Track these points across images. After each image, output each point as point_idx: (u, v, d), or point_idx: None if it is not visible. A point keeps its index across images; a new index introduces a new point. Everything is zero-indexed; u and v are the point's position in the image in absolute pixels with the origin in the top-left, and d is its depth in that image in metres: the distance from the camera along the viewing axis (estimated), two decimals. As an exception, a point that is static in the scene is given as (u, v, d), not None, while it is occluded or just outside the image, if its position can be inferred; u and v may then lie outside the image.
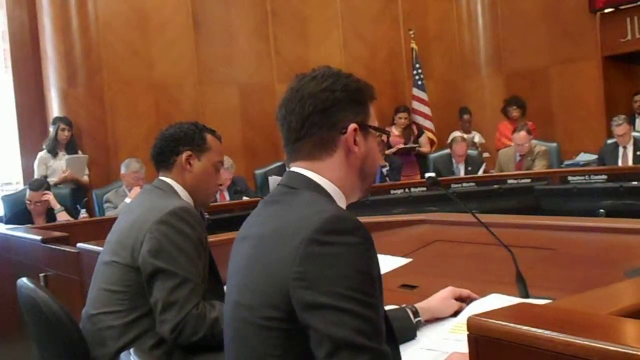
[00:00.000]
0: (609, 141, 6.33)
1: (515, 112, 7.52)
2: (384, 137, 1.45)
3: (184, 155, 2.17)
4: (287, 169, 1.41)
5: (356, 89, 1.39)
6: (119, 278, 2.02)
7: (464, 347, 1.43)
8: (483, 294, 1.80)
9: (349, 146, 1.36)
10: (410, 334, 1.65)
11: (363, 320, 1.15)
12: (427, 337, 1.66)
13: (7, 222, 4.93)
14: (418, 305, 1.70)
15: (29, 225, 4.63)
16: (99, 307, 2.05)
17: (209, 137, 2.23)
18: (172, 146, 2.18)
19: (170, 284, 1.91)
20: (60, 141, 6.18)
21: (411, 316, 1.66)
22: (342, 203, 1.38)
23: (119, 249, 2.06)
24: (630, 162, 5.93)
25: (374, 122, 1.42)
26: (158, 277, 1.93)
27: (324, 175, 1.36)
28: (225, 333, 1.38)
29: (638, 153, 5.98)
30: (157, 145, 2.23)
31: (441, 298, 1.76)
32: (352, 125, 1.36)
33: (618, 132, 6.01)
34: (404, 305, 1.70)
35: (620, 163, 5.97)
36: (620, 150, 6.06)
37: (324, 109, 1.35)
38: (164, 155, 2.20)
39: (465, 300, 1.78)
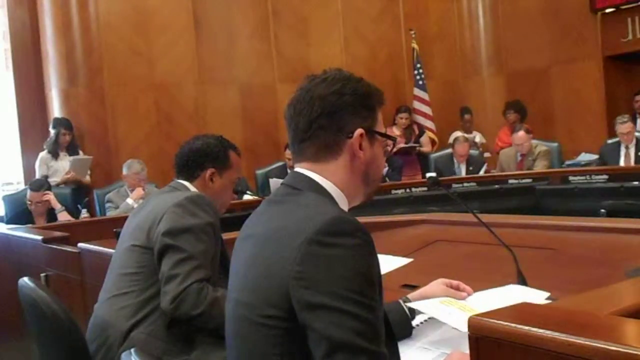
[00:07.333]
0: (610, 141, 6.31)
1: (512, 116, 7.53)
2: (389, 143, 1.45)
3: (209, 172, 2.28)
4: (293, 168, 1.42)
5: (365, 94, 1.39)
6: (135, 260, 2.10)
7: (461, 345, 1.44)
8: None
9: (354, 151, 1.36)
10: (405, 327, 1.66)
11: (361, 322, 1.15)
12: (426, 336, 1.66)
13: (8, 222, 4.93)
14: (410, 295, 1.72)
15: (30, 225, 4.63)
16: (114, 291, 2.11)
17: (232, 154, 2.35)
18: (200, 161, 2.28)
19: (175, 258, 1.99)
20: (61, 144, 6.18)
21: (402, 305, 1.68)
22: (344, 206, 1.38)
23: (137, 233, 2.14)
24: (632, 162, 5.90)
25: (381, 127, 1.42)
26: (166, 253, 2.02)
27: (327, 178, 1.36)
28: (227, 331, 1.39)
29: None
30: (184, 156, 2.31)
31: (432, 284, 1.77)
32: (359, 130, 1.36)
33: (622, 130, 5.94)
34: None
35: (622, 163, 5.94)
36: (623, 149, 6.02)
37: (331, 112, 1.35)
38: (189, 167, 2.29)
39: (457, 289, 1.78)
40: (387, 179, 6.34)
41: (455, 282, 1.77)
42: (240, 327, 1.31)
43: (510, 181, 5.47)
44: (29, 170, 6.63)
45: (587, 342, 0.91)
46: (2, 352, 4.21)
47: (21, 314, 2.22)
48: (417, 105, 8.18)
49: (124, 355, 1.46)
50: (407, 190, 5.42)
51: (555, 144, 6.77)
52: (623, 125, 5.94)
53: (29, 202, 4.99)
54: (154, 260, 2.05)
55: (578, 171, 5.48)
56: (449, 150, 6.99)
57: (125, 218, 2.42)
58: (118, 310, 2.06)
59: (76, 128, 6.36)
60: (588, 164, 6.45)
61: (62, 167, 6.11)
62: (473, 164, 6.73)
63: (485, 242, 2.15)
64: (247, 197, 4.89)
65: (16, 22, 6.90)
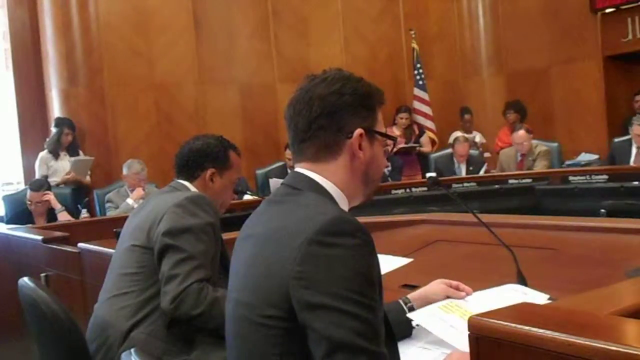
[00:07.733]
0: (618, 139, 6.25)
1: (511, 116, 7.53)
2: (389, 143, 1.45)
3: (209, 173, 2.29)
4: (293, 168, 1.42)
5: (365, 94, 1.39)
6: (135, 260, 2.10)
7: (460, 342, 1.43)
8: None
9: (354, 151, 1.36)
10: (405, 327, 1.65)
11: (361, 322, 1.15)
12: (426, 336, 1.65)
13: (8, 222, 4.93)
14: (410, 295, 1.71)
15: (30, 225, 4.63)
16: (114, 291, 2.12)
17: (232, 154, 2.35)
18: (200, 162, 2.29)
19: (175, 258, 2.00)
20: (63, 144, 6.18)
21: (403, 305, 1.68)
22: (344, 206, 1.38)
23: (137, 233, 2.14)
24: None
25: (381, 127, 1.42)
26: (166, 253, 2.02)
27: (327, 178, 1.36)
28: (227, 331, 1.39)
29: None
30: (184, 156, 2.32)
31: (432, 284, 1.77)
32: (359, 130, 1.36)
33: (637, 132, 5.88)
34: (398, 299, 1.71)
35: (632, 162, 5.89)
36: (634, 149, 5.96)
37: (331, 112, 1.35)
38: (189, 167, 2.30)
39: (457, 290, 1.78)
40: (389, 178, 6.34)
41: (454, 283, 1.77)
42: (240, 327, 1.31)
43: (510, 181, 5.47)
44: (29, 170, 6.63)
45: (587, 342, 0.91)
46: (2, 352, 4.20)
47: (21, 314, 2.22)
48: (417, 105, 8.18)
49: (124, 355, 1.46)
50: (407, 190, 5.41)
51: (555, 144, 6.77)
52: (639, 127, 5.88)
53: (29, 202, 4.99)
54: (154, 260, 2.06)
55: (578, 171, 5.48)
56: (449, 150, 6.99)
57: (125, 218, 2.42)
58: (118, 310, 2.06)
59: (76, 128, 6.36)
60: (588, 164, 6.44)
61: (62, 167, 6.11)
62: (473, 164, 6.73)
63: (485, 242, 2.15)
64: (247, 197, 4.90)
65: (16, 22, 6.89)
